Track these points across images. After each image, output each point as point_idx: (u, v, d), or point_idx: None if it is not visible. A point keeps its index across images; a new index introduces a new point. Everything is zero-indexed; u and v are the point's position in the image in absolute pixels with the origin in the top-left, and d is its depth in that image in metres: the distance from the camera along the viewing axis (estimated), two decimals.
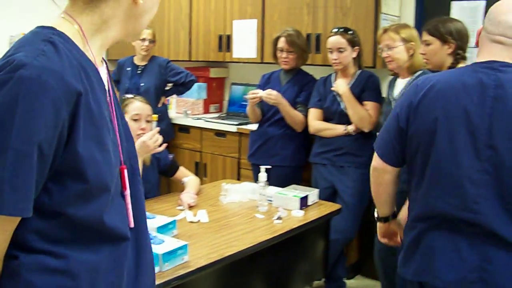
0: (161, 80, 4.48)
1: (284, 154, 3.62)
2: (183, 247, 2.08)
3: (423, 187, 1.76)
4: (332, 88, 3.34)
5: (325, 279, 3.52)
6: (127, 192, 1.23)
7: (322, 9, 3.82)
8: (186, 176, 3.05)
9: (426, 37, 2.65)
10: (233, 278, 2.36)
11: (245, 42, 4.46)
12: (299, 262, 2.80)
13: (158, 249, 2.01)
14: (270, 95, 3.47)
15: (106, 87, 1.20)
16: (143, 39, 4.31)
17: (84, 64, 1.10)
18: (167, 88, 4.58)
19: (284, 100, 3.51)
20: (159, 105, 4.53)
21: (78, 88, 1.05)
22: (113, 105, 1.21)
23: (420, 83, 1.79)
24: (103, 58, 1.23)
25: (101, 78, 1.17)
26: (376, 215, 2.13)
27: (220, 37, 4.63)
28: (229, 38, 4.57)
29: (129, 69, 4.50)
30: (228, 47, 4.59)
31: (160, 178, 3.18)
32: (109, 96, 1.21)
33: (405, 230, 1.89)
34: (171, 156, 3.04)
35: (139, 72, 4.46)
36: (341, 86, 3.29)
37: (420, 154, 1.76)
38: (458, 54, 2.56)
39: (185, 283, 2.03)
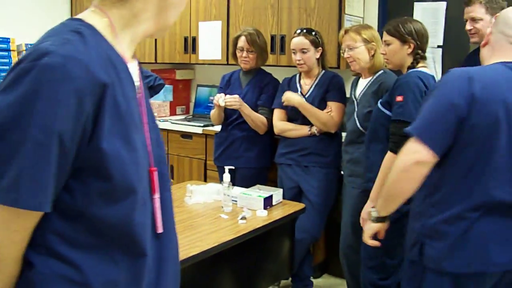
0: None
1: (248, 156, 3.61)
2: None
3: (475, 178, 1.78)
4: (284, 103, 3.37)
5: (292, 278, 3.54)
6: (157, 195, 1.15)
7: (286, 10, 3.85)
8: None
9: (386, 37, 2.69)
10: (198, 278, 2.35)
11: (210, 43, 4.47)
12: (265, 261, 2.81)
13: None
14: (233, 100, 3.48)
15: (137, 84, 1.15)
16: None
17: (113, 57, 1.06)
18: None
19: (245, 104, 3.52)
20: None
21: (104, 80, 1.00)
22: (143, 103, 1.16)
23: (471, 75, 1.78)
24: (134, 54, 1.20)
25: (130, 74, 1.12)
26: (375, 214, 2.11)
27: (186, 39, 4.62)
28: (194, 40, 4.56)
29: None
30: (194, 49, 4.58)
31: None
32: (139, 93, 1.16)
33: (446, 224, 1.82)
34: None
35: None
36: (292, 98, 3.33)
37: (477, 146, 1.77)
38: (418, 54, 2.60)
39: None
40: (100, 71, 0.99)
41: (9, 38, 4.84)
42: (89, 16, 1.10)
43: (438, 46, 3.68)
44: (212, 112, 3.71)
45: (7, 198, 0.95)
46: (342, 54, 3.17)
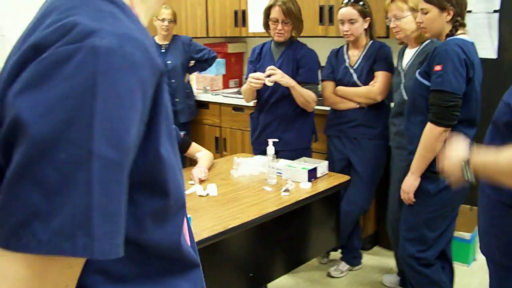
0: (186, 58, 4.53)
1: (288, 138, 3.37)
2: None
3: None
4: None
5: (341, 250, 3.56)
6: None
7: None
8: (199, 151, 3.09)
9: (423, 5, 2.58)
10: (240, 249, 2.41)
11: (260, 16, 4.45)
12: (311, 233, 2.83)
13: None
14: (285, 80, 3.21)
15: None
16: (163, 19, 4.35)
17: (148, 35, 0.80)
18: (190, 65, 4.64)
19: (293, 80, 3.26)
20: (186, 82, 4.60)
21: (161, 66, 0.75)
22: None
23: None
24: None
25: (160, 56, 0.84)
26: None
27: (236, 12, 4.63)
28: (244, 13, 4.57)
29: None
30: (244, 22, 4.59)
31: None
32: None
33: None
34: (182, 133, 3.09)
35: (163, 51, 4.51)
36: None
37: None
38: (457, 21, 2.51)
39: None
40: (154, 54, 0.74)
41: None
42: None
43: (494, 11, 3.53)
44: (244, 88, 3.48)
45: (64, 245, 0.64)
46: (388, 24, 3.10)
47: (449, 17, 2.52)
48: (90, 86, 0.65)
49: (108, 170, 0.66)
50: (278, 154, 3.16)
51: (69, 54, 0.66)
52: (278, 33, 3.32)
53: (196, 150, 3.12)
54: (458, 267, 3.14)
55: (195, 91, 5.05)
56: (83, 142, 0.64)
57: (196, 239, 2.06)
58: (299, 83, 3.28)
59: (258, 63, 3.48)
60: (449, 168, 1.82)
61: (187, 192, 2.61)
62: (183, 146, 3.10)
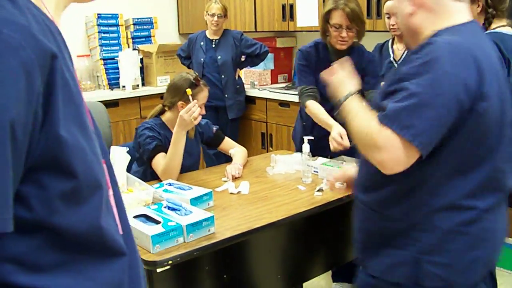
0: (237, 53, 4.51)
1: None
2: (209, 219, 2.08)
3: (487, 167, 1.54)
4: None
5: None
6: (111, 192, 0.92)
7: None
8: (232, 147, 3.05)
9: None
10: (268, 250, 2.34)
11: (308, 10, 4.36)
12: (345, 235, 2.73)
13: (182, 220, 2.03)
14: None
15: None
16: (213, 14, 4.34)
17: (47, 23, 0.80)
18: (241, 60, 4.60)
19: None
20: (236, 77, 4.58)
21: (52, 49, 0.75)
22: (77, 78, 0.87)
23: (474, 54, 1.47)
24: None
25: (66, 43, 0.87)
26: None
27: (284, 6, 4.55)
28: (292, 7, 4.48)
29: (202, 43, 4.54)
30: (292, 16, 4.51)
31: (203, 151, 3.21)
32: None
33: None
34: (215, 128, 3.06)
35: (214, 46, 4.50)
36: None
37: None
38: (488, 13, 2.31)
39: (209, 254, 2.05)
40: (44, 38, 0.75)
41: (117, 14, 5.06)
42: None
43: None
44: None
45: None
46: None
47: (478, 9, 2.32)
48: None
49: None
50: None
51: None
52: (341, 41, 2.86)
53: (230, 146, 3.07)
54: (502, 273, 2.95)
55: None
56: None
57: (219, 238, 2.03)
58: (365, 90, 2.84)
59: (316, 67, 2.89)
60: (334, 81, 1.81)
61: (218, 189, 2.58)
62: (216, 141, 3.07)
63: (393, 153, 1.44)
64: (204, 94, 2.88)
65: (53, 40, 0.79)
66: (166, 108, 2.93)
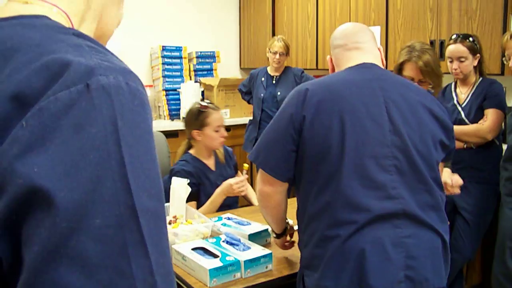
0: None
1: None
2: (267, 256, 2.08)
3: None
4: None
5: None
6: None
7: (446, 13, 3.62)
8: None
9: None
10: None
11: None
12: None
13: (241, 255, 2.04)
14: None
15: None
16: (275, 52, 4.41)
17: None
18: None
19: None
20: None
21: None
22: None
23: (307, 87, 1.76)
24: None
25: None
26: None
27: None
28: None
29: (263, 79, 4.61)
30: None
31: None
32: None
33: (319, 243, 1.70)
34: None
35: (274, 82, 4.56)
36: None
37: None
38: None
39: None
40: None
41: (181, 46, 5.21)
42: (41, 11, 0.67)
43: None
44: None
45: None
46: (504, 62, 2.90)
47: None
48: (112, 132, 0.56)
49: (156, 225, 0.59)
50: None
51: (73, 98, 0.56)
52: None
53: None
54: None
55: None
56: (120, 200, 0.55)
57: (276, 276, 2.03)
58: None
59: None
60: None
61: None
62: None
63: None
64: (215, 116, 3.01)
65: None
66: (191, 141, 3.08)
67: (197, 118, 3.00)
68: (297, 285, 1.86)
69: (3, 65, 0.59)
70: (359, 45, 1.89)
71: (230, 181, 2.83)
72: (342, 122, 1.68)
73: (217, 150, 3.07)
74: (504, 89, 3.19)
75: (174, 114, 5.13)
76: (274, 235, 2.12)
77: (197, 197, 2.89)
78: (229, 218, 2.56)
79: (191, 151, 3.06)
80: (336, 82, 1.80)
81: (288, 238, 2.15)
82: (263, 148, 1.81)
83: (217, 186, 2.88)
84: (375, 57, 1.90)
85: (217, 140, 3.00)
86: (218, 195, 2.85)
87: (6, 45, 0.61)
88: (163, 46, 5.12)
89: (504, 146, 2.98)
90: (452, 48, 3.08)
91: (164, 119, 5.14)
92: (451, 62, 3.11)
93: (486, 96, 3.06)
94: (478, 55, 3.08)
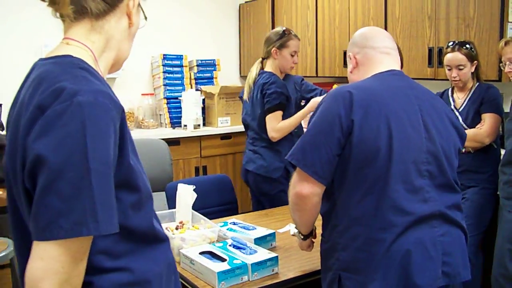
0: (297, 97, 4.57)
1: None
2: (273, 259, 2.14)
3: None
4: None
5: None
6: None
7: (444, 20, 3.68)
8: None
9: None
10: None
11: None
12: None
13: (248, 259, 2.09)
14: None
15: None
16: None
17: (106, 83, 1.18)
18: (301, 104, 4.68)
19: None
20: None
21: (122, 106, 1.13)
22: None
23: (350, 91, 1.79)
24: None
25: None
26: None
27: (345, 53, 4.63)
28: None
29: None
30: None
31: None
32: None
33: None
34: None
35: None
36: None
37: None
38: None
39: None
40: (115, 97, 1.12)
41: (182, 55, 5.27)
42: (73, 50, 1.18)
43: None
44: None
45: (82, 229, 1.02)
46: (502, 68, 2.96)
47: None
48: (81, 128, 1.03)
49: (102, 178, 1.04)
50: None
51: (63, 109, 1.03)
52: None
53: None
54: None
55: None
56: (83, 163, 1.02)
57: (282, 279, 2.08)
58: None
59: None
60: None
61: (281, 230, 2.63)
62: None
63: None
64: (294, 42, 3.58)
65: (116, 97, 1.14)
66: (265, 59, 3.63)
67: (280, 38, 3.54)
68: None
69: (38, 88, 1.09)
70: (390, 51, 1.95)
71: (317, 99, 3.19)
72: (389, 126, 1.74)
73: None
74: (502, 94, 3.26)
75: (175, 122, 5.18)
76: (302, 237, 2.12)
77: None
78: (234, 223, 2.61)
79: (267, 69, 3.61)
80: (377, 87, 1.83)
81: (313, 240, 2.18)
82: (308, 150, 1.78)
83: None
84: (399, 65, 1.98)
85: (289, 63, 3.63)
86: (302, 112, 3.47)
87: (41, 76, 1.12)
88: (164, 55, 5.18)
89: (503, 151, 3.04)
90: (450, 57, 3.15)
91: (166, 127, 5.19)
92: (449, 70, 3.18)
93: (483, 101, 3.13)
94: (475, 61, 3.14)
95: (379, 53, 1.93)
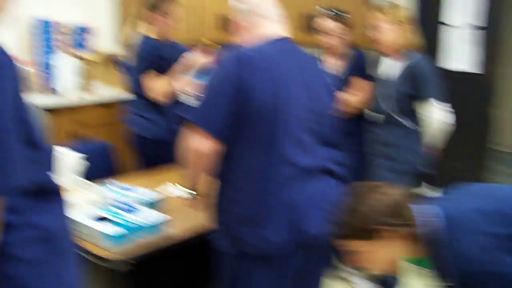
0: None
1: None
2: (166, 220, 2.20)
3: None
4: None
5: None
6: None
7: None
8: None
9: None
10: None
11: None
12: None
13: (140, 221, 2.13)
14: None
15: None
16: None
17: None
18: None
19: None
20: None
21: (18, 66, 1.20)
22: None
23: (239, 57, 1.90)
24: None
25: None
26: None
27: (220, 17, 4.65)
28: None
29: None
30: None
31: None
32: None
33: None
34: None
35: None
36: None
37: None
38: None
39: (166, 254, 2.18)
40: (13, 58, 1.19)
41: (55, 21, 5.03)
42: None
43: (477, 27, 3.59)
44: None
45: None
46: (367, 34, 3.12)
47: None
48: None
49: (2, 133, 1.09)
50: None
51: None
52: None
53: None
54: None
55: None
56: None
57: (176, 239, 2.12)
58: None
59: None
60: None
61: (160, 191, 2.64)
62: None
63: None
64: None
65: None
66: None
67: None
68: (219, 243, 1.99)
69: None
70: (275, 17, 2.07)
71: (189, 54, 3.27)
72: (277, 85, 1.88)
73: None
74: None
75: (50, 89, 4.96)
76: (197, 195, 2.13)
77: None
78: (115, 185, 2.59)
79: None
80: (266, 49, 1.95)
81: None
82: (206, 109, 1.89)
83: None
84: (284, 31, 2.08)
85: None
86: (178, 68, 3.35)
87: None
88: (39, 20, 4.92)
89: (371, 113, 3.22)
90: (323, 23, 3.30)
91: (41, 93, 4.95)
92: (320, 35, 3.31)
93: (354, 67, 3.35)
94: (347, 28, 3.32)
95: (265, 19, 2.04)
